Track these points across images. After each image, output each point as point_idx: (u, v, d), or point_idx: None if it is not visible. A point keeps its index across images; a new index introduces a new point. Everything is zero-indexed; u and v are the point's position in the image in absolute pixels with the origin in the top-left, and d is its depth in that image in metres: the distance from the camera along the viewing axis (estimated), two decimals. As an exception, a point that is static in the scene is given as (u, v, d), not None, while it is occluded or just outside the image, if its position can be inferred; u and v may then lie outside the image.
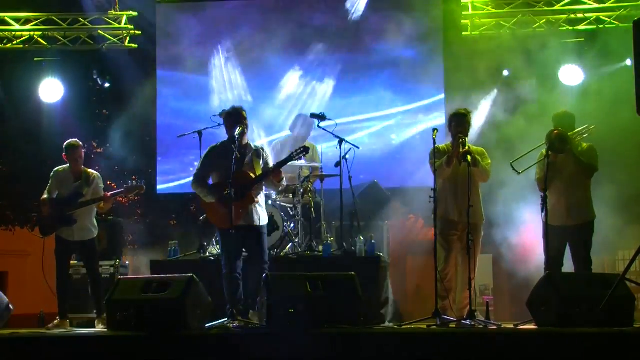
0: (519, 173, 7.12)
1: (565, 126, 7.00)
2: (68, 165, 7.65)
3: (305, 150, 6.75)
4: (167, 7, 10.63)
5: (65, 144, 7.66)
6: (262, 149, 6.90)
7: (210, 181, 6.81)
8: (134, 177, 10.67)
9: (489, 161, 7.14)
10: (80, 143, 7.71)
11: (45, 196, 7.60)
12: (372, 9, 10.20)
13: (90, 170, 7.72)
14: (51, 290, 7.51)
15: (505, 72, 9.92)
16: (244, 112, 6.79)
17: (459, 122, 7.05)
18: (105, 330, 6.07)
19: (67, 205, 7.48)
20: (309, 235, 7.95)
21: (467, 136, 6.98)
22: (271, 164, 6.80)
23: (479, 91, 9.78)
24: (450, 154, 6.96)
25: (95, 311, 7.53)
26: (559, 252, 6.95)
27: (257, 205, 6.70)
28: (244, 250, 6.75)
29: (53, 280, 7.53)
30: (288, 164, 6.75)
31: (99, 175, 7.74)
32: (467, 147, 6.82)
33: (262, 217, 6.75)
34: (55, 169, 7.72)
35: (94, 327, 7.39)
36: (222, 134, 7.07)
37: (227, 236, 6.53)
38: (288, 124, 9.10)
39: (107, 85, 10.54)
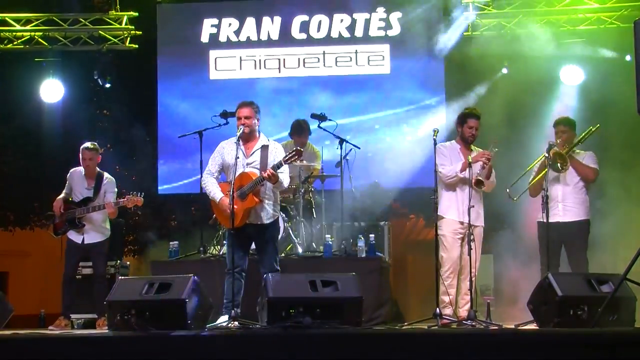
0: (514, 200, 7.14)
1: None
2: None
3: (297, 153, 6.52)
4: (168, 7, 10.63)
5: None
6: (269, 145, 6.73)
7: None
8: (133, 177, 10.69)
9: (493, 172, 7.11)
10: (95, 146, 7.69)
11: (60, 196, 7.67)
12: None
13: (105, 174, 7.71)
14: None
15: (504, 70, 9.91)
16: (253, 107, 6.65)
17: (473, 122, 6.97)
18: (106, 330, 6.07)
19: (76, 208, 7.53)
20: (309, 235, 7.95)
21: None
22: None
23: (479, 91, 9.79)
24: (465, 163, 6.80)
25: (96, 312, 7.55)
26: (555, 252, 6.96)
27: (264, 204, 6.62)
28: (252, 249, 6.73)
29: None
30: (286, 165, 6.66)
31: (112, 180, 7.71)
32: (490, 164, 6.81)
33: (270, 214, 6.66)
34: (72, 169, 7.75)
35: (95, 328, 7.40)
36: (223, 134, 7.04)
37: (231, 234, 6.53)
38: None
39: (107, 85, 10.50)
